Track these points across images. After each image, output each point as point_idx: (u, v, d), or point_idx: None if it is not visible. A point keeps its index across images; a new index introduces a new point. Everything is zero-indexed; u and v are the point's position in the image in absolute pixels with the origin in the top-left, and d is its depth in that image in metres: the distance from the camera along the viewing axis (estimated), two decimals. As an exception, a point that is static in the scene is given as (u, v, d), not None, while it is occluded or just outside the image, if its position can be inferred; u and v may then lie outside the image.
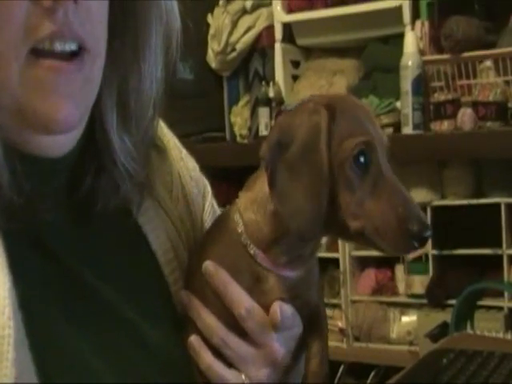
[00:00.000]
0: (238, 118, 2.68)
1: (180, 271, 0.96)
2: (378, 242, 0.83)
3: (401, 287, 2.51)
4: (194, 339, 0.90)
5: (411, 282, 2.45)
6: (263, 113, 2.54)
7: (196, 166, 1.06)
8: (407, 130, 2.35)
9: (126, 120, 0.90)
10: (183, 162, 1.04)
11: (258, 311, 0.88)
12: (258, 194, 0.87)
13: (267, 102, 2.54)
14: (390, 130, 2.37)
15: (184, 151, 1.05)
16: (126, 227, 0.94)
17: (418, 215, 0.81)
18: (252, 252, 0.87)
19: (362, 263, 2.57)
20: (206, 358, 0.89)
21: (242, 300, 0.89)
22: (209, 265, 0.89)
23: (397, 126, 2.38)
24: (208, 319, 0.90)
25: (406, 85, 2.32)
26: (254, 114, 2.59)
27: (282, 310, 0.88)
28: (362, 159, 0.82)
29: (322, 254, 2.42)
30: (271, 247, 0.87)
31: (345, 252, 2.54)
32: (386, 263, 2.53)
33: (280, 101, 2.53)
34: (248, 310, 0.88)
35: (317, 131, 0.79)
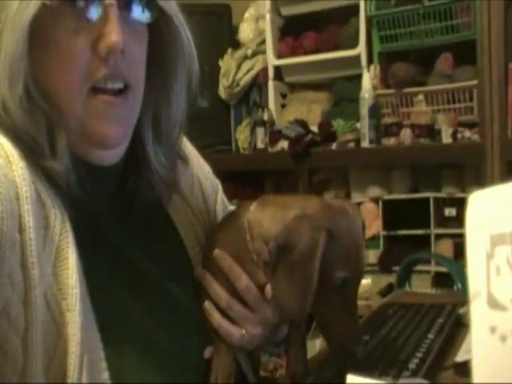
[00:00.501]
0: (242, 135, 2.61)
1: (199, 248, 0.94)
2: (323, 332, 0.82)
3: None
4: (207, 304, 0.89)
5: (367, 255, 2.34)
6: (260, 131, 2.49)
7: (210, 170, 1.05)
8: (365, 144, 2.28)
9: (159, 137, 0.89)
10: (200, 167, 1.03)
11: (253, 288, 0.86)
12: (266, 219, 0.82)
13: (263, 123, 2.49)
14: (352, 145, 2.31)
15: (201, 159, 1.04)
16: (159, 216, 0.93)
17: (355, 335, 0.78)
18: (255, 257, 0.85)
19: None
20: (217, 318, 0.88)
21: (241, 279, 0.87)
22: (218, 252, 0.87)
23: (357, 141, 2.31)
24: (217, 289, 0.89)
25: (364, 111, 2.25)
26: (253, 132, 2.52)
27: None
28: (339, 285, 0.79)
29: None
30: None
31: None
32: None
33: (272, 122, 2.48)
34: (246, 287, 0.87)
35: (315, 247, 0.75)
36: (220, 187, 1.04)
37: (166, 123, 0.88)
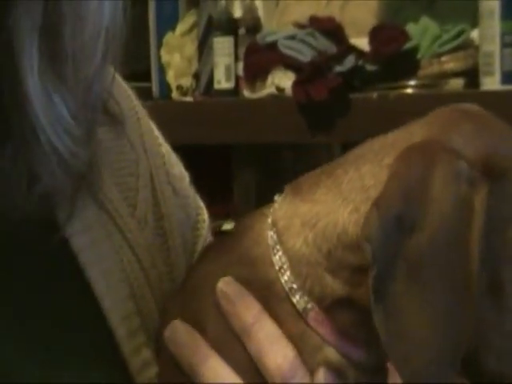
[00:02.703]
0: (175, 56, 1.88)
1: (144, 334, 0.64)
2: None
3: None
4: None
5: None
6: (222, 46, 1.76)
7: (186, 175, 0.74)
8: (491, 82, 1.49)
9: (56, 59, 0.60)
10: (162, 160, 0.72)
11: (306, 373, 0.55)
12: (319, 217, 0.53)
13: (230, 26, 1.76)
14: (458, 83, 1.55)
15: (167, 147, 0.72)
16: (47, 248, 0.64)
17: None
18: (300, 305, 0.53)
19: None
20: None
21: (283, 347, 0.55)
22: (228, 284, 0.56)
23: (471, 76, 1.52)
24: (221, 370, 0.58)
25: (491, 1, 1.49)
26: (204, 48, 1.79)
27: (328, 378, 0.55)
28: None
29: None
30: (336, 308, 0.53)
31: None
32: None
33: (254, 25, 1.76)
34: (293, 365, 0.55)
35: (468, 216, 0.49)
36: (206, 217, 0.73)
37: (71, 38, 0.61)
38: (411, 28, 1.57)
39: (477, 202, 0.49)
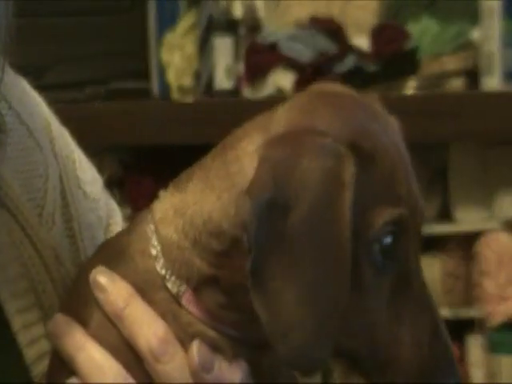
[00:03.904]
0: (176, 56, 1.86)
1: (44, 327, 0.63)
2: (373, 376, 0.55)
3: (477, 373, 1.51)
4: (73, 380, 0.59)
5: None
6: (223, 46, 1.77)
7: (98, 180, 0.75)
8: (492, 82, 1.54)
9: None
10: (74, 164, 0.73)
11: (180, 348, 0.55)
12: (188, 206, 0.55)
13: (230, 26, 1.77)
14: (459, 82, 1.58)
15: (78, 151, 0.73)
16: None
17: (447, 359, 0.54)
18: (174, 289, 0.55)
19: None
20: None
21: (153, 325, 0.56)
22: (100, 273, 0.58)
23: (472, 76, 1.56)
24: (98, 356, 0.58)
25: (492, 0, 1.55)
26: (204, 48, 1.80)
27: (202, 350, 0.55)
28: (385, 244, 0.52)
29: None
30: (206, 287, 0.54)
31: None
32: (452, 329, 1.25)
33: (255, 25, 1.75)
34: (164, 342, 0.55)
35: (337, 188, 0.49)
36: (119, 219, 0.74)
37: None
38: (412, 28, 1.61)
39: (345, 176, 0.49)
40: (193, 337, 0.54)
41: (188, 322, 0.54)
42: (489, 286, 1.35)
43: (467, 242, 1.48)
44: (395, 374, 0.53)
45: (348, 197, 0.49)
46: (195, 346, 0.53)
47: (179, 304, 0.55)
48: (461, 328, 1.50)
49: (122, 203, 1.97)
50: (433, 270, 1.51)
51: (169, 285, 0.54)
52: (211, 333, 0.54)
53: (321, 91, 0.56)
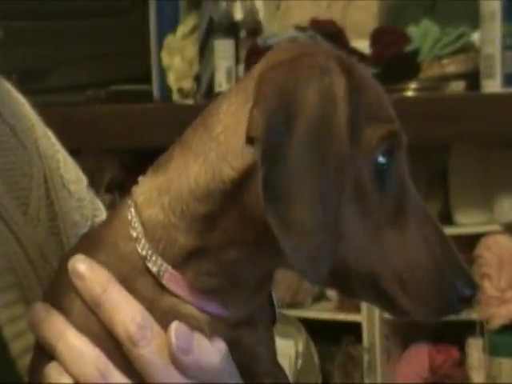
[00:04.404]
0: (176, 59, 1.86)
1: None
2: (398, 298, 0.55)
3: (477, 376, 1.48)
4: (53, 366, 0.58)
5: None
6: (223, 49, 1.76)
7: (83, 179, 0.75)
8: (492, 85, 1.50)
9: None
10: (58, 164, 0.74)
11: (159, 332, 0.55)
12: (173, 181, 0.55)
13: (230, 29, 1.77)
14: (459, 85, 1.55)
15: (63, 151, 0.74)
16: None
17: (459, 263, 0.55)
18: (154, 268, 0.54)
19: (406, 333, 1.55)
20: None
21: (130, 311, 0.56)
22: (78, 261, 0.57)
23: (472, 78, 1.53)
24: (78, 342, 0.58)
25: (492, 3, 1.50)
26: (205, 50, 1.79)
27: (179, 332, 0.55)
28: (383, 162, 0.54)
29: (329, 316, 1.50)
30: (189, 264, 0.54)
31: (373, 312, 1.47)
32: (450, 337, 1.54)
33: (255, 27, 1.76)
34: (142, 327, 0.55)
35: (331, 100, 0.52)
36: (103, 213, 0.75)
37: None
38: (412, 31, 1.60)
39: (339, 91, 0.52)
40: (175, 318, 0.54)
41: (171, 305, 0.54)
42: (489, 288, 1.33)
43: (468, 245, 1.46)
44: (416, 283, 0.54)
45: (344, 109, 0.51)
46: (173, 328, 0.53)
47: (161, 286, 0.55)
48: (461, 331, 1.49)
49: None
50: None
51: (149, 265, 0.54)
52: (194, 312, 0.54)
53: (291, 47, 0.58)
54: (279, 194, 0.51)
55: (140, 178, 0.57)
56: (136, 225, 0.56)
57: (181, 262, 0.54)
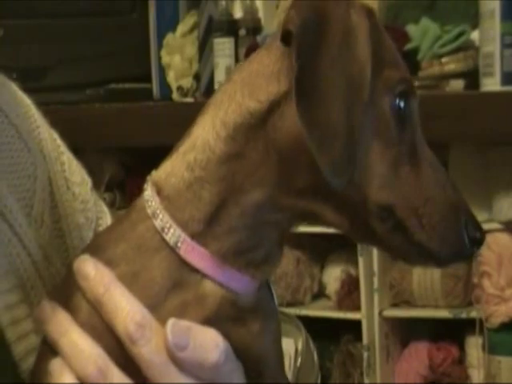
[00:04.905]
0: (176, 57, 1.84)
1: (33, 322, 0.64)
2: (415, 232, 0.56)
3: (477, 374, 1.45)
4: (56, 363, 0.58)
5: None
6: (223, 47, 1.75)
7: (87, 182, 0.75)
8: (492, 83, 1.47)
9: None
10: (63, 166, 0.73)
11: (158, 330, 0.55)
12: (198, 137, 0.55)
13: (230, 27, 1.73)
14: (459, 84, 1.52)
15: (68, 153, 0.73)
16: None
17: (468, 206, 0.57)
18: (172, 239, 0.54)
19: (405, 331, 1.52)
20: None
21: (130, 310, 0.56)
22: (83, 261, 0.57)
23: (472, 77, 1.50)
24: (80, 341, 0.58)
25: (492, 1, 1.46)
26: (204, 49, 1.77)
27: (175, 328, 0.55)
28: (401, 105, 0.55)
29: (329, 314, 1.48)
30: (210, 229, 0.54)
31: (373, 310, 1.43)
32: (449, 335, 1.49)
33: (255, 25, 1.73)
34: (141, 326, 0.55)
35: (357, 23, 0.54)
36: (108, 216, 0.75)
37: None
38: (411, 29, 1.57)
39: (363, 25, 0.54)
40: (200, 299, 0.54)
41: (192, 283, 0.54)
42: (489, 286, 1.32)
43: (467, 243, 1.43)
44: (432, 217, 0.55)
45: (367, 36, 0.53)
46: (169, 325, 0.54)
47: (180, 259, 0.54)
48: (461, 329, 1.48)
49: (123, 205, 1.92)
50: (433, 270, 1.50)
51: (167, 237, 0.54)
52: (216, 289, 0.54)
53: None
54: (310, 91, 0.52)
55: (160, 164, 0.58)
56: (152, 203, 0.55)
57: (202, 230, 0.54)
